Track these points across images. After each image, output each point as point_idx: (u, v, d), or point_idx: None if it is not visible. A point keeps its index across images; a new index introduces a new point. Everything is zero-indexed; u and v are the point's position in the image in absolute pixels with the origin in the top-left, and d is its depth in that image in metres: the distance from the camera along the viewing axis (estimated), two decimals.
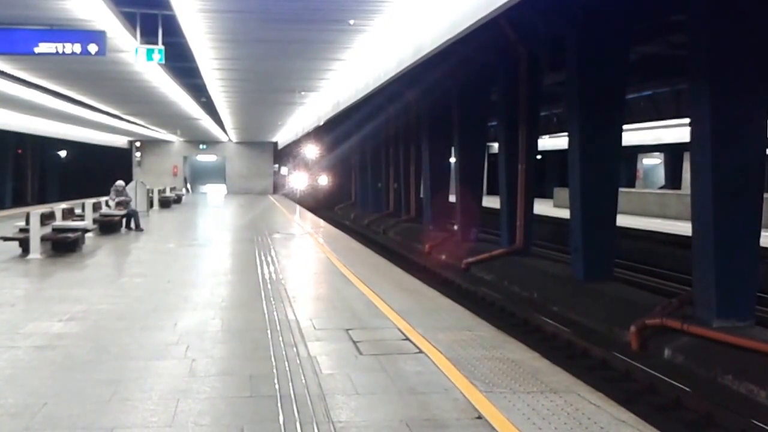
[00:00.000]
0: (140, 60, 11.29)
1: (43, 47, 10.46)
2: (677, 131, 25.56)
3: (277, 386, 4.79)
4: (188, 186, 43.06)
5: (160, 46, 11.14)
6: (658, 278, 14.66)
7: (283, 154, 48.44)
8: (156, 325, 6.69)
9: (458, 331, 6.52)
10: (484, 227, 20.27)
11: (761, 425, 6.72)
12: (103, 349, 5.74)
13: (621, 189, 13.72)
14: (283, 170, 53.12)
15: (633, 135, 26.75)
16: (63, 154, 44.37)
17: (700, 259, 9.32)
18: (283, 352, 5.65)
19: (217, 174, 45.83)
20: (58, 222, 12.47)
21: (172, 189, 32.30)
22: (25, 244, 11.72)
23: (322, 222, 22.18)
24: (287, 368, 5.21)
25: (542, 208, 22.25)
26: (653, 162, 39.60)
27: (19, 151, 38.16)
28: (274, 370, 5.15)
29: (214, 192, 44.67)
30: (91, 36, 10.49)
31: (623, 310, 10.47)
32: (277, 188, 46.24)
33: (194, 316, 7.12)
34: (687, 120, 10.07)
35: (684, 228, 15.03)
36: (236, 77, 16.62)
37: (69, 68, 15.53)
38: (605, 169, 12.49)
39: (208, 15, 10.15)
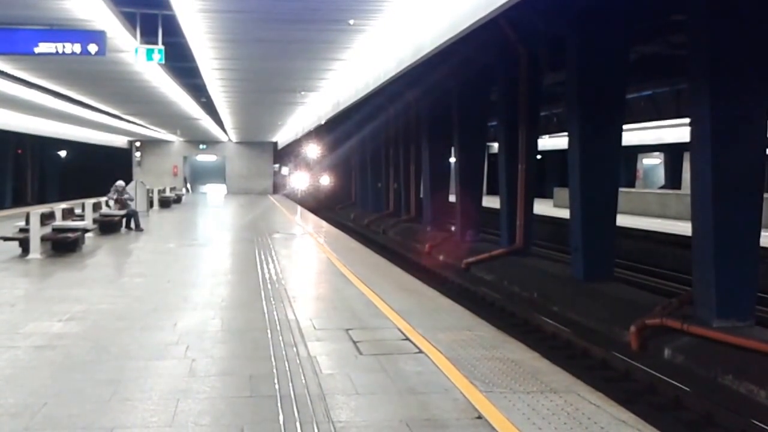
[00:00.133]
0: (140, 60, 11.29)
1: (43, 47, 10.46)
2: (677, 131, 25.56)
3: (277, 386, 4.79)
4: (188, 186, 43.07)
5: (160, 46, 11.14)
6: (658, 278, 14.66)
7: (283, 154, 48.39)
8: (156, 325, 6.70)
9: (458, 331, 6.52)
10: (484, 227, 20.26)
11: (761, 425, 6.72)
12: (103, 349, 5.74)
13: (621, 189, 13.72)
14: (284, 170, 53.01)
15: (633, 135, 26.75)
16: (63, 154, 44.38)
17: (700, 259, 9.32)
18: (283, 352, 5.65)
19: (217, 174, 45.83)
20: (58, 222, 12.47)
21: (172, 189, 32.30)
22: (25, 244, 11.72)
23: (321, 222, 22.18)
24: (287, 368, 5.21)
25: (542, 208, 22.25)
26: (653, 162, 39.60)
27: (19, 151, 38.15)
28: (274, 370, 5.15)
29: (214, 192, 44.66)
30: (91, 36, 10.49)
31: (623, 310, 10.46)
32: (277, 188, 46.18)
33: (194, 316, 7.12)
34: (687, 120, 10.06)
35: (684, 228, 15.03)
36: (236, 77, 16.62)
37: (69, 68, 15.53)
38: (605, 169, 12.48)
39: (208, 15, 10.15)
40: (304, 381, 4.90)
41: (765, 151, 9.46)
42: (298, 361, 5.40)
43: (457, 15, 8.05)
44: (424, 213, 23.16)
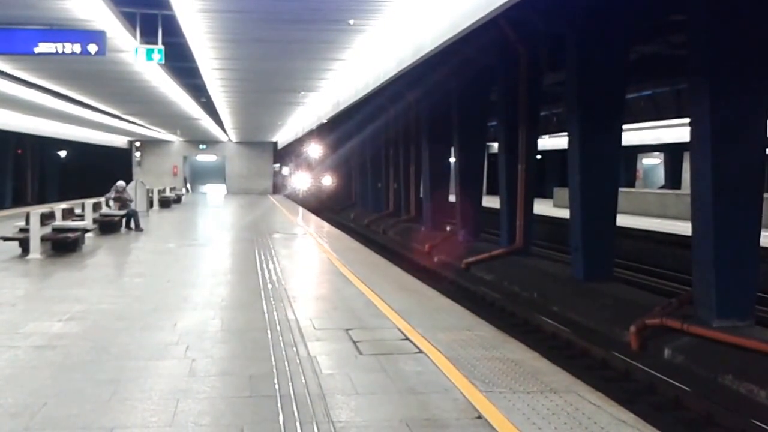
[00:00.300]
0: (140, 60, 11.29)
1: (43, 47, 10.46)
2: (677, 131, 25.55)
3: (276, 386, 4.79)
4: (188, 186, 43.06)
5: (160, 46, 11.14)
6: (658, 278, 14.66)
7: (284, 154, 48.34)
8: (156, 325, 6.69)
9: (458, 330, 6.52)
10: (484, 227, 20.26)
11: (761, 425, 6.71)
12: (103, 349, 5.73)
13: (621, 189, 13.72)
14: (285, 170, 52.83)
15: (633, 135, 26.75)
16: (63, 154, 44.38)
17: (700, 259, 9.31)
18: (283, 352, 5.65)
19: (216, 174, 45.84)
20: (58, 222, 12.47)
21: (172, 189, 32.30)
22: (25, 244, 11.72)
23: (321, 222, 22.19)
24: (287, 368, 5.21)
25: (542, 208, 22.25)
26: (653, 162, 39.60)
27: (19, 151, 38.15)
28: (274, 370, 5.14)
29: (213, 192, 44.66)
30: (91, 36, 10.50)
31: (623, 310, 10.46)
32: (277, 188, 46.11)
33: (194, 316, 7.12)
34: (687, 120, 10.06)
35: (684, 228, 15.03)
36: (236, 77, 16.62)
37: (69, 68, 15.54)
38: (605, 169, 12.48)
39: (208, 15, 10.15)
40: (304, 381, 4.90)
41: (765, 151, 9.45)
42: (298, 361, 5.40)
43: (457, 15, 8.05)
44: (424, 213, 23.16)
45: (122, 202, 17.08)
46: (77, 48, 10.43)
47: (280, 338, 6.15)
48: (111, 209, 16.79)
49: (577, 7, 11.85)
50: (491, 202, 20.88)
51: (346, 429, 4.04)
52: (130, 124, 31.38)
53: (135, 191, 21.09)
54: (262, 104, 23.35)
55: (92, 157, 44.93)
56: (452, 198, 21.96)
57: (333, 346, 5.96)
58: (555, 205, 28.72)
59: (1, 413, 4.21)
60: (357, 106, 18.24)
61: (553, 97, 22.46)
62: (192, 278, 10.02)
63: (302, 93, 19.59)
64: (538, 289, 13.08)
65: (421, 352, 5.72)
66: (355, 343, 6.02)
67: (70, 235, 12.21)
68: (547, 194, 32.85)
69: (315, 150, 40.76)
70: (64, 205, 14.87)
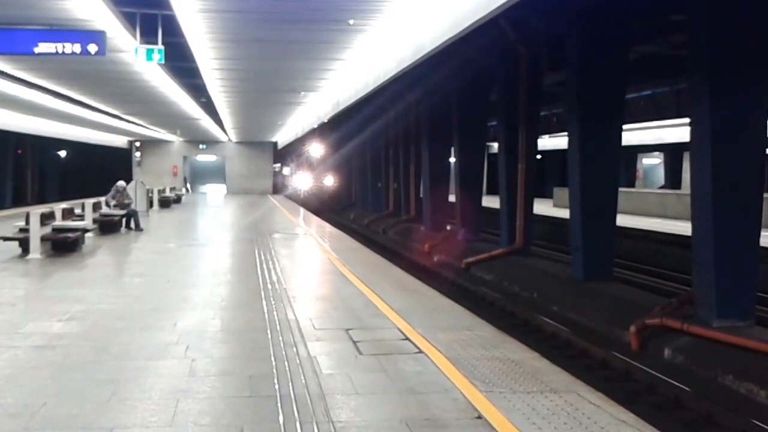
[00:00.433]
0: (140, 60, 11.29)
1: (42, 47, 10.46)
2: (677, 131, 25.55)
3: (276, 386, 4.79)
4: (188, 186, 43.04)
5: (160, 46, 11.14)
6: (657, 278, 14.66)
7: (284, 154, 48.25)
8: (156, 324, 6.69)
9: (458, 330, 6.52)
10: (484, 227, 20.26)
11: (761, 425, 6.71)
12: (103, 349, 5.73)
13: (621, 189, 13.71)
14: (285, 170, 52.62)
15: (633, 135, 26.75)
16: (63, 154, 44.38)
17: (700, 258, 9.31)
18: (283, 352, 5.65)
19: (216, 174, 45.83)
20: (58, 222, 12.47)
21: (172, 189, 32.30)
22: (25, 244, 11.72)
23: (321, 222, 22.18)
24: (287, 368, 5.21)
25: (542, 208, 22.25)
26: (653, 162, 39.60)
27: (19, 151, 38.16)
28: (274, 370, 5.14)
29: (213, 192, 44.65)
30: (91, 36, 10.49)
31: (623, 310, 10.46)
32: (277, 188, 46.03)
33: (194, 316, 7.12)
34: (687, 120, 10.05)
35: (684, 228, 15.03)
36: (236, 77, 16.62)
37: (69, 68, 15.53)
38: (605, 169, 12.48)
39: (208, 15, 10.15)
40: (303, 381, 4.90)
41: (765, 151, 9.45)
42: (298, 361, 5.40)
43: (457, 15, 8.05)
44: (423, 213, 23.16)
45: (121, 205, 17.04)
46: (77, 48, 10.43)
47: (280, 338, 6.15)
48: (110, 209, 16.78)
49: (577, 7, 11.85)
50: (491, 202, 20.89)
51: (346, 429, 4.04)
52: (130, 124, 31.37)
53: (135, 191, 21.08)
54: (262, 104, 23.34)
55: (92, 157, 44.94)
56: (452, 198, 21.96)
57: (333, 346, 5.96)
58: (555, 205, 28.73)
59: (1, 413, 4.21)
60: (357, 106, 18.23)
61: (553, 97, 22.47)
62: (192, 278, 10.02)
63: (302, 93, 19.58)
64: (538, 289, 13.09)
65: (421, 352, 5.72)
66: (355, 343, 6.02)
67: (70, 235, 12.22)
68: (547, 194, 32.85)
69: (316, 150, 40.51)
70: (64, 205, 14.87)
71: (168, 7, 9.82)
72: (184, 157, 43.44)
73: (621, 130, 12.77)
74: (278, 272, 10.29)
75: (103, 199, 17.53)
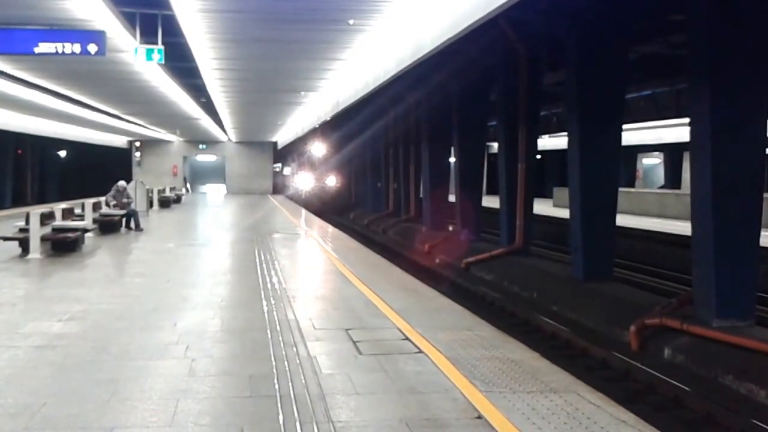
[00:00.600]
0: (140, 60, 11.29)
1: (42, 47, 10.46)
2: (677, 131, 25.54)
3: (276, 386, 4.79)
4: (188, 186, 43.03)
5: (160, 46, 11.14)
6: (657, 278, 14.66)
7: (285, 153, 48.16)
8: (156, 324, 6.69)
9: (458, 330, 6.52)
10: (484, 227, 20.26)
11: (761, 425, 6.72)
12: (103, 349, 5.73)
13: (621, 189, 13.71)
14: (286, 170, 52.37)
15: (633, 135, 26.73)
16: (63, 154, 44.38)
17: (700, 258, 9.31)
18: (283, 352, 5.65)
19: (216, 174, 45.83)
20: (58, 222, 12.47)
21: (172, 189, 32.30)
22: (24, 244, 11.72)
23: (321, 222, 22.19)
24: (287, 368, 5.21)
25: (542, 207, 22.24)
26: (653, 162, 39.60)
27: (19, 151, 38.15)
28: (274, 370, 5.14)
29: (213, 192, 44.64)
30: (91, 36, 10.49)
31: (623, 310, 10.46)
32: (277, 189, 45.94)
33: (194, 316, 7.12)
34: (687, 120, 10.05)
35: (683, 228, 15.03)
36: (236, 77, 16.62)
37: (69, 68, 15.53)
38: (605, 168, 12.47)
39: (207, 15, 10.15)
40: (303, 381, 4.90)
41: (765, 151, 9.45)
42: (297, 361, 5.40)
43: (457, 14, 8.04)
44: (423, 213, 23.16)
45: (121, 205, 17.04)
46: (77, 48, 10.43)
47: (280, 338, 6.15)
48: (110, 209, 16.77)
49: (576, 7, 11.85)
50: (491, 202, 20.88)
51: (346, 429, 4.04)
52: (130, 124, 31.37)
53: (135, 191, 21.08)
54: (262, 104, 23.34)
55: (92, 157, 44.93)
56: (452, 198, 21.96)
57: (333, 346, 5.96)
58: (555, 205, 28.73)
59: (1, 413, 4.21)
60: (357, 106, 18.23)
61: (553, 97, 22.47)
62: (192, 278, 10.02)
63: (302, 93, 19.59)
64: (538, 289, 13.09)
65: (420, 352, 5.72)
66: (354, 343, 6.02)
67: (70, 235, 12.21)
68: (547, 194, 32.85)
69: (317, 149, 40.24)
70: (64, 205, 14.87)
71: (168, 7, 9.82)
72: (184, 157, 43.44)
73: (621, 130, 12.77)
74: (278, 272, 10.29)
75: (103, 199, 17.53)
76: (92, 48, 10.47)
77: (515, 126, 15.55)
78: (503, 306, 12.65)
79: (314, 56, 13.54)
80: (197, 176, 48.11)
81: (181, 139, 41.31)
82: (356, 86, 15.38)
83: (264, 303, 7.80)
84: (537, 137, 17.00)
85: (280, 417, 4.20)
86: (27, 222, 11.68)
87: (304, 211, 27.18)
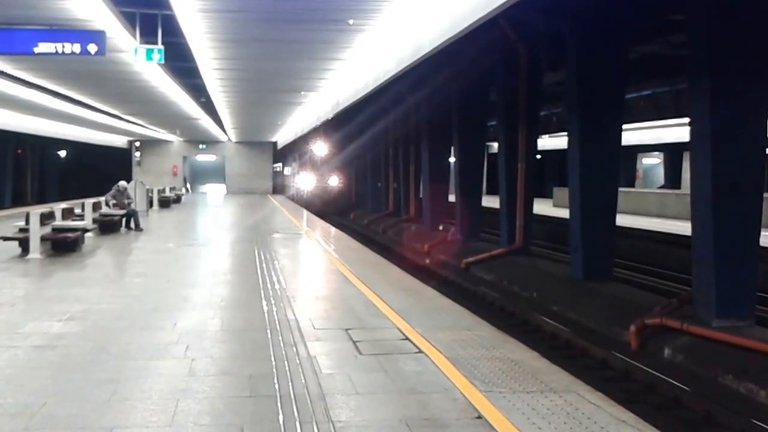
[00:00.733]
0: (140, 60, 11.29)
1: (42, 47, 10.46)
2: (677, 131, 25.56)
3: (276, 386, 4.79)
4: (188, 186, 43.03)
5: (160, 46, 11.14)
6: (657, 278, 14.66)
7: (285, 153, 48.08)
8: (155, 324, 6.69)
9: (458, 330, 6.52)
10: (484, 227, 20.26)
11: (761, 425, 6.72)
12: (103, 349, 5.73)
13: (620, 189, 13.71)
14: (286, 170, 52.21)
15: (633, 135, 26.75)
16: (63, 154, 44.39)
17: (700, 258, 9.31)
18: (283, 352, 5.65)
19: (216, 174, 45.83)
20: (58, 222, 12.47)
21: (172, 189, 32.30)
22: (24, 244, 11.71)
23: (320, 222, 22.19)
24: (287, 368, 5.21)
25: (542, 207, 22.24)
26: (653, 162, 39.60)
27: (19, 151, 38.15)
28: (274, 370, 5.14)
29: (213, 192, 44.63)
30: (91, 36, 10.49)
31: (623, 310, 10.46)
32: (277, 189, 45.88)
33: (194, 316, 7.12)
34: (687, 120, 10.05)
35: (683, 228, 15.03)
36: (236, 77, 16.62)
37: (69, 68, 15.53)
38: (605, 168, 12.48)
39: (207, 15, 10.15)
40: (303, 381, 4.90)
41: (765, 151, 9.45)
42: (297, 361, 5.40)
43: (457, 14, 8.04)
44: (423, 213, 23.16)
45: (121, 205, 17.03)
46: (77, 48, 10.43)
47: (280, 338, 6.14)
48: (110, 208, 16.77)
49: (577, 6, 11.85)
50: (491, 202, 20.88)
51: (346, 429, 4.04)
52: (130, 124, 31.37)
53: (135, 191, 21.08)
54: (262, 104, 23.34)
55: (92, 157, 44.94)
56: (452, 198, 21.96)
57: (333, 345, 5.96)
58: (555, 205, 28.73)
59: (1, 413, 4.21)
60: (357, 106, 18.23)
61: (553, 97, 22.47)
62: (192, 278, 10.03)
63: (302, 93, 19.59)
64: (538, 288, 13.09)
65: (420, 351, 5.72)
66: (354, 342, 6.01)
67: (69, 235, 12.21)
68: (547, 194, 32.85)
69: (318, 149, 40.01)
70: (63, 204, 14.87)
71: (168, 7, 9.82)
72: (184, 157, 43.44)
73: (621, 130, 12.77)
74: (278, 272, 10.29)
75: (103, 198, 17.53)
76: (92, 48, 10.47)
77: (515, 126, 15.55)
78: (503, 306, 12.65)
79: (314, 56, 13.54)
80: (197, 176, 48.10)
81: (181, 139, 41.31)
82: (356, 86, 15.38)
83: (264, 303, 7.79)
84: (537, 137, 17.01)
85: (280, 417, 4.20)
86: (27, 222, 11.68)
87: (304, 212, 27.18)
